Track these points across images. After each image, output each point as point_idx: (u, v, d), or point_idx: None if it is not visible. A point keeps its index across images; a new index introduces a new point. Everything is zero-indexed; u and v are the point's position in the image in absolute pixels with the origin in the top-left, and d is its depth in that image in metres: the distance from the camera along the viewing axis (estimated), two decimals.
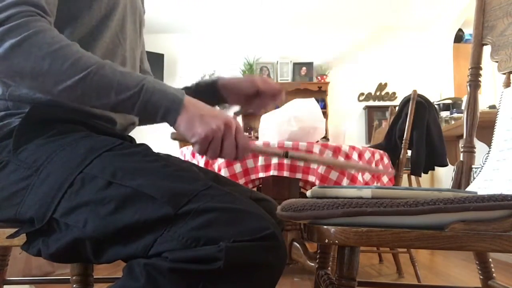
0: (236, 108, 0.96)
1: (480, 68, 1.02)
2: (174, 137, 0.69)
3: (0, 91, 0.71)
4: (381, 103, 5.20)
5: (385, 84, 5.25)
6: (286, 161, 1.61)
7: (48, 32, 0.60)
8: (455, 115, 3.40)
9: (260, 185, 1.88)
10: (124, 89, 0.61)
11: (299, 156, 0.78)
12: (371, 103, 5.24)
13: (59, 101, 0.70)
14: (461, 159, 1.00)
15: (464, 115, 1.02)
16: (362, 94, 5.27)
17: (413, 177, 3.45)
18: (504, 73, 0.96)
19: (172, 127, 0.66)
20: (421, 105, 2.06)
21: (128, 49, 0.84)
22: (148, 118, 0.65)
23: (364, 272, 2.24)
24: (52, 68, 0.59)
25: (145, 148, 0.71)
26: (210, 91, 0.96)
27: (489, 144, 0.92)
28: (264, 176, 1.63)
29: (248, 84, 0.91)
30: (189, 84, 1.00)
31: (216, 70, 5.30)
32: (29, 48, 0.58)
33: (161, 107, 0.63)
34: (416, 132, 2.07)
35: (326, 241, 0.56)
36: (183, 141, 0.69)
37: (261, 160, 1.63)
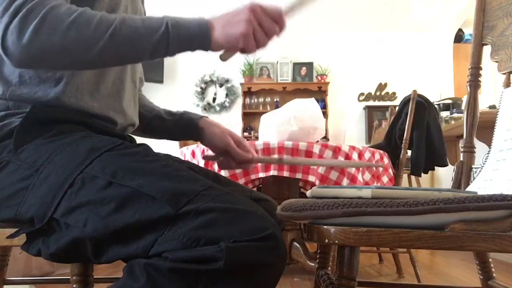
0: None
1: (480, 68, 1.02)
2: (224, 57, 0.70)
3: (1, 90, 0.71)
4: (381, 103, 5.20)
5: (385, 84, 5.25)
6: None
7: (62, 5, 0.62)
8: (455, 115, 3.40)
9: (260, 185, 1.88)
10: (152, 32, 0.63)
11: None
12: (371, 103, 5.24)
13: (59, 101, 0.70)
14: (461, 159, 1.00)
15: (464, 115, 1.02)
16: (362, 94, 5.27)
17: (413, 177, 3.45)
18: (504, 73, 0.96)
19: (210, 50, 0.67)
20: (421, 105, 2.06)
21: None
22: (183, 50, 0.66)
23: (364, 272, 2.24)
24: (80, 35, 0.60)
25: (145, 148, 0.71)
26: (190, 127, 0.97)
27: (489, 144, 0.92)
28: (264, 176, 1.63)
29: (221, 141, 0.91)
30: (174, 110, 1.01)
31: (216, 70, 5.30)
32: (51, 24, 0.59)
33: (192, 35, 0.64)
34: (416, 132, 2.07)
35: (326, 241, 0.56)
36: (231, 56, 0.70)
37: None
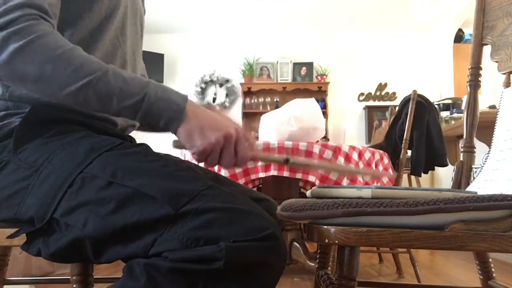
0: None
1: (480, 68, 1.02)
2: (175, 145, 0.69)
3: (0, 91, 0.71)
4: (381, 103, 5.20)
5: (385, 84, 5.25)
6: None
7: (51, 36, 0.60)
8: (455, 115, 3.40)
9: (260, 185, 1.88)
10: (126, 97, 0.61)
11: (300, 162, 0.77)
12: (371, 103, 5.24)
13: (60, 102, 0.70)
14: (461, 159, 1.00)
15: (464, 115, 1.02)
16: (362, 94, 5.27)
17: (413, 177, 3.45)
18: (504, 73, 0.96)
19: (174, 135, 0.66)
20: (421, 105, 2.06)
21: (128, 51, 0.83)
22: (150, 125, 0.65)
23: (364, 272, 2.24)
24: (55, 74, 0.59)
25: (145, 148, 0.71)
26: None
27: (489, 144, 0.92)
28: (264, 176, 1.63)
29: None
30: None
31: (216, 70, 5.30)
32: (32, 52, 0.58)
33: (163, 117, 0.63)
34: (416, 132, 2.07)
35: (326, 241, 0.56)
36: (184, 149, 0.69)
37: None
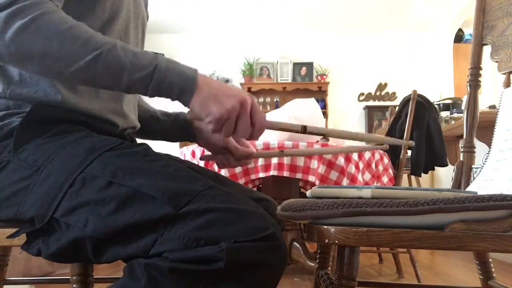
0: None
1: (480, 68, 1.02)
2: (190, 116, 0.68)
3: (1, 90, 0.71)
4: (381, 103, 5.20)
5: (385, 84, 5.25)
6: (286, 161, 1.60)
7: (56, 13, 0.59)
8: (455, 115, 3.40)
9: (260, 185, 1.88)
10: (137, 69, 0.60)
11: (318, 131, 0.76)
12: (371, 103, 5.24)
13: (59, 102, 0.69)
14: (461, 159, 1.00)
15: (464, 115, 1.02)
16: (362, 94, 5.27)
17: (413, 177, 3.45)
18: (504, 73, 0.96)
19: (186, 107, 0.65)
20: (421, 105, 2.06)
21: None
22: (162, 97, 0.64)
23: (364, 272, 2.24)
24: (62, 49, 0.58)
25: (145, 148, 0.71)
26: (186, 128, 0.96)
27: (489, 144, 0.92)
28: (264, 176, 1.63)
29: (220, 138, 0.90)
30: (170, 110, 1.00)
31: (216, 70, 5.30)
32: (37, 29, 0.57)
33: (175, 88, 0.62)
34: (416, 132, 2.07)
35: (326, 241, 0.56)
36: (198, 120, 0.68)
37: (261, 160, 1.63)
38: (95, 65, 0.59)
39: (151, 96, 0.64)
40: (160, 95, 0.63)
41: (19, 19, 0.57)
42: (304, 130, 0.73)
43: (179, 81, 0.62)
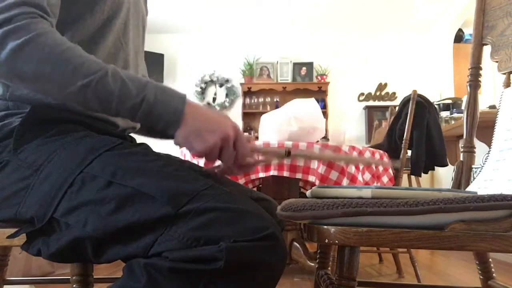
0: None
1: (480, 68, 1.02)
2: (176, 143, 0.69)
3: (1, 91, 0.71)
4: (381, 103, 5.21)
5: (385, 84, 5.25)
6: (286, 161, 1.61)
7: (50, 34, 0.60)
8: (455, 115, 3.40)
9: (260, 185, 1.88)
10: (125, 99, 0.61)
11: (301, 154, 0.77)
12: (371, 103, 5.24)
13: (59, 104, 0.69)
14: (461, 159, 1.00)
15: (464, 115, 1.02)
16: (362, 94, 5.28)
17: (413, 177, 3.45)
18: (504, 73, 0.96)
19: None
20: (421, 105, 2.06)
21: (130, 53, 0.83)
22: (149, 128, 0.65)
23: (364, 272, 2.24)
24: (54, 73, 0.58)
25: (145, 147, 0.71)
26: None
27: (489, 144, 0.92)
28: (264, 176, 1.63)
29: None
30: None
31: (216, 70, 5.30)
32: (31, 51, 0.57)
33: (161, 121, 0.63)
34: (416, 132, 2.07)
35: (326, 241, 0.56)
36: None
37: None
38: (85, 92, 0.60)
39: (139, 123, 0.65)
40: (147, 124, 0.65)
41: (13, 40, 0.57)
42: (288, 153, 0.74)
43: (165, 115, 0.63)
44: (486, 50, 1.02)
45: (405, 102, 2.07)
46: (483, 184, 0.87)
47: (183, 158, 1.44)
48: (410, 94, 2.00)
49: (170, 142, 0.87)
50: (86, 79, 0.59)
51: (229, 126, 0.66)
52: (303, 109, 1.80)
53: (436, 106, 2.80)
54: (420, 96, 2.06)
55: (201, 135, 0.64)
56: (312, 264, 1.60)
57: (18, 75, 0.59)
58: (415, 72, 5.16)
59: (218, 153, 0.66)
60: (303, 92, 5.10)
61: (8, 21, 0.57)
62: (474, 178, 0.93)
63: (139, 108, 0.62)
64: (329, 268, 0.92)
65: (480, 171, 0.90)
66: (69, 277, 0.83)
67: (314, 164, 1.61)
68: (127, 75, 0.63)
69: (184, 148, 1.90)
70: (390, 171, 1.92)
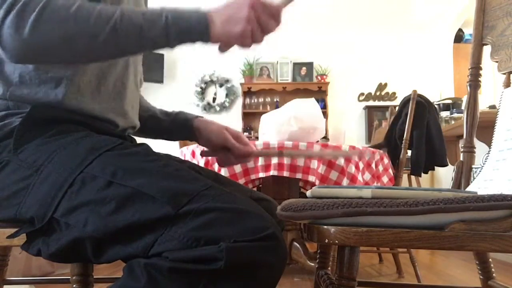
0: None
1: (480, 68, 1.02)
2: (222, 50, 0.70)
3: (1, 90, 0.71)
4: (381, 103, 5.21)
5: (385, 84, 5.25)
6: (286, 161, 1.60)
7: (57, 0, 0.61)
8: (455, 115, 3.40)
9: (260, 185, 1.88)
10: (152, 25, 0.62)
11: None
12: (371, 103, 5.24)
13: (60, 102, 0.70)
14: (461, 159, 1.00)
15: (464, 115, 1.02)
16: (362, 94, 5.28)
17: (413, 177, 3.45)
18: (504, 73, 0.96)
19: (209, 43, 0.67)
20: (421, 105, 2.06)
21: None
22: (183, 42, 0.65)
23: (364, 272, 2.24)
24: (80, 28, 0.60)
25: (145, 147, 0.71)
26: (185, 127, 0.97)
27: (489, 144, 0.92)
28: (264, 176, 1.63)
29: (219, 137, 0.91)
30: (170, 110, 1.01)
31: (216, 70, 5.30)
32: (50, 17, 0.59)
33: (192, 30, 0.64)
34: (416, 132, 2.07)
35: (326, 241, 0.56)
36: (230, 48, 0.70)
37: (261, 160, 1.63)
38: (115, 34, 0.61)
39: (173, 45, 0.65)
40: (181, 40, 0.65)
41: (29, 13, 0.58)
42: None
43: (193, 22, 0.64)
44: (486, 50, 1.02)
45: (405, 102, 2.07)
46: (483, 184, 0.87)
47: (183, 158, 1.44)
48: (410, 94, 2.00)
49: (170, 142, 0.88)
50: (110, 23, 0.60)
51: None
52: (303, 109, 1.80)
53: (436, 106, 2.80)
54: (420, 96, 2.06)
55: (233, 18, 0.64)
56: (312, 264, 1.60)
57: (48, 44, 0.60)
58: (415, 72, 5.16)
59: (257, 23, 0.65)
60: (303, 92, 5.09)
61: (14, 2, 0.58)
62: (474, 178, 0.93)
63: (168, 26, 0.62)
64: (329, 268, 0.92)
65: (480, 171, 0.90)
66: (69, 277, 0.83)
67: (314, 164, 1.61)
68: (136, 8, 0.65)
69: (184, 148, 1.90)
70: (390, 171, 1.92)
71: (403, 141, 1.95)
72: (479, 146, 1.08)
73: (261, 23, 0.66)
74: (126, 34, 0.61)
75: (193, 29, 0.64)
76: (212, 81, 5.35)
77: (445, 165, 2.14)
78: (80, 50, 0.62)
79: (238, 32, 0.64)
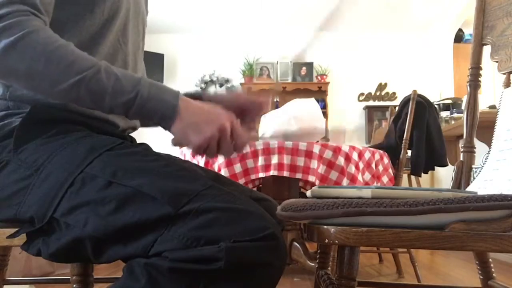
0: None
1: (480, 68, 1.02)
2: (174, 143, 0.69)
3: (1, 91, 0.71)
4: (381, 103, 5.20)
5: (385, 84, 5.25)
6: (286, 161, 1.60)
7: (42, 31, 0.60)
8: (455, 115, 3.40)
9: (260, 185, 1.87)
10: (118, 95, 0.61)
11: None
12: (371, 103, 5.24)
13: (59, 104, 0.69)
14: (461, 159, 1.00)
15: (464, 115, 1.02)
16: (362, 94, 5.27)
17: (413, 177, 3.45)
18: (504, 73, 0.96)
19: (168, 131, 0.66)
20: (421, 105, 2.06)
21: (129, 53, 0.83)
22: (143, 122, 0.65)
23: (364, 272, 2.24)
24: (47, 70, 0.58)
25: (145, 147, 0.71)
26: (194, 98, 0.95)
27: (489, 144, 0.92)
28: (264, 176, 1.63)
29: (231, 97, 0.88)
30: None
31: (216, 70, 5.30)
32: (23, 48, 0.57)
33: (155, 115, 0.63)
34: (416, 132, 2.07)
35: (326, 241, 0.56)
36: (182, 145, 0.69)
37: (261, 160, 1.63)
38: (78, 89, 0.60)
39: (132, 119, 0.65)
40: (141, 119, 0.65)
41: (5, 37, 0.57)
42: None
43: (160, 108, 0.63)
44: (486, 50, 1.02)
45: (405, 102, 2.07)
46: (483, 184, 0.87)
47: (183, 158, 1.44)
48: (410, 94, 2.00)
49: (170, 140, 0.87)
50: (78, 76, 0.59)
51: (224, 117, 0.65)
52: (303, 109, 1.80)
53: (436, 106, 2.80)
54: (420, 96, 2.06)
55: (198, 127, 0.63)
56: (312, 264, 1.60)
57: (12, 72, 0.59)
58: (415, 72, 5.16)
59: (217, 146, 0.65)
60: (303, 92, 5.09)
61: (2, 17, 0.57)
62: (474, 178, 0.93)
63: (133, 103, 0.61)
64: (329, 268, 0.92)
65: (480, 171, 0.90)
66: (69, 277, 0.83)
67: (314, 164, 1.61)
68: (120, 71, 0.63)
69: (184, 148, 1.90)
70: (390, 171, 1.92)
71: (403, 141, 1.95)
72: (479, 146, 1.08)
73: (220, 145, 0.65)
74: (87, 93, 0.60)
75: (156, 114, 0.63)
76: (212, 81, 5.35)
77: (445, 165, 2.14)
78: (39, 89, 0.61)
79: (196, 141, 0.63)
